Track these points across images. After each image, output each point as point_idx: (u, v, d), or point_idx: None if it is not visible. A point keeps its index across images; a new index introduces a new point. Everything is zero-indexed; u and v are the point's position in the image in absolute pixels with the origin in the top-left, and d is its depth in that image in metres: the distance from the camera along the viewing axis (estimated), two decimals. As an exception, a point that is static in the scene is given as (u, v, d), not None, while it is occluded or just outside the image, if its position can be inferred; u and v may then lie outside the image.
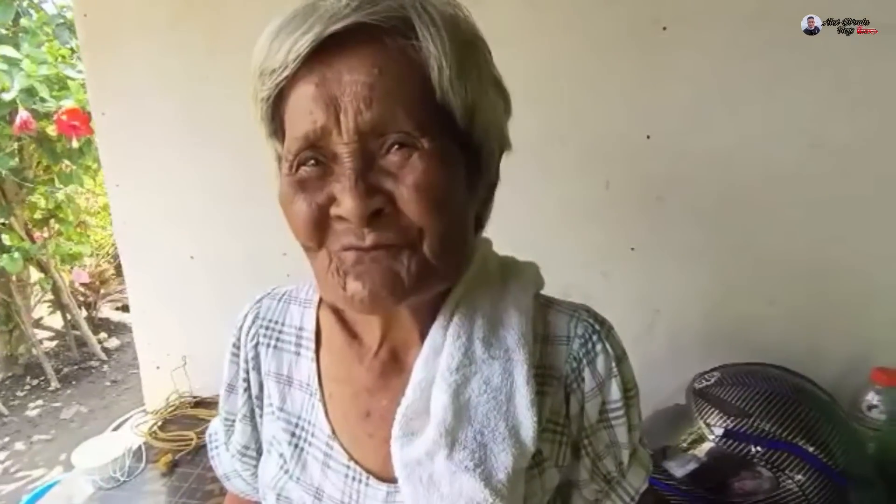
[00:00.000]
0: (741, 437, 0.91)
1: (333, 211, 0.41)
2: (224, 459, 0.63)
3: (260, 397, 0.57)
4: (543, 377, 0.50)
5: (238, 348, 0.58)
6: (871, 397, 1.02)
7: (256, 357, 0.57)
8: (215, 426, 0.64)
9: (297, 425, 0.54)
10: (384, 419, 0.49)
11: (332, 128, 0.40)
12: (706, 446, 0.93)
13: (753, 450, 0.89)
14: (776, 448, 0.88)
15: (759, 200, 1.07)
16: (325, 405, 0.53)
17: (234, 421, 0.60)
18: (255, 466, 0.60)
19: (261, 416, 0.58)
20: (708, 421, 0.94)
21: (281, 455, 0.54)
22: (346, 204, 0.39)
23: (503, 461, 0.45)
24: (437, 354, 0.48)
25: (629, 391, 0.53)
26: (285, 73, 0.40)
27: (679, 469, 0.95)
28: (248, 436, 0.59)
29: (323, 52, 0.39)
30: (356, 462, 0.50)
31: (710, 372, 1.03)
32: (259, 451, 0.59)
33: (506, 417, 0.46)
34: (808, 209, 1.06)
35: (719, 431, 0.92)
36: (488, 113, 0.45)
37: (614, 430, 0.53)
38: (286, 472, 0.53)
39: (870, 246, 1.05)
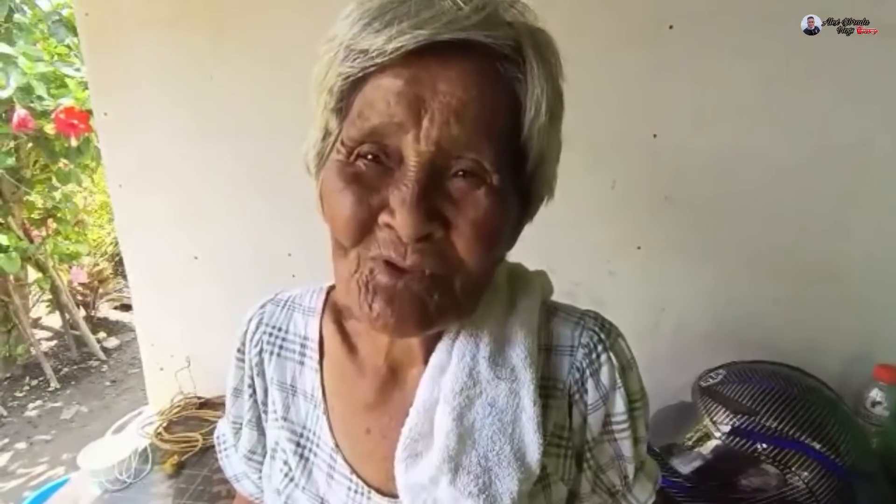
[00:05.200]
0: (747, 435, 0.91)
1: (383, 219, 0.39)
2: (234, 461, 0.63)
3: (265, 402, 0.57)
4: (547, 389, 0.49)
5: (243, 353, 0.57)
6: (875, 394, 1.04)
7: (261, 363, 0.56)
8: (223, 428, 0.63)
9: (301, 435, 0.53)
10: (385, 437, 0.48)
11: (410, 128, 0.37)
12: (712, 444, 0.93)
13: (760, 447, 0.89)
14: (782, 445, 0.89)
15: (764, 199, 1.07)
16: (328, 418, 0.52)
17: (241, 425, 0.59)
18: (262, 470, 0.60)
19: (266, 420, 0.58)
20: (714, 418, 0.94)
21: (286, 462, 0.54)
22: (402, 219, 0.37)
23: (507, 486, 0.43)
24: (442, 373, 0.47)
25: (634, 402, 0.51)
26: (378, 61, 0.37)
27: (685, 466, 0.96)
28: (254, 440, 0.59)
29: (422, 51, 0.37)
30: (358, 476, 0.50)
31: (716, 370, 1.03)
32: (265, 455, 0.59)
33: (511, 440, 0.44)
34: (812, 208, 1.06)
35: (726, 429, 0.92)
36: (550, 164, 0.45)
37: (618, 443, 0.51)
38: (291, 479, 0.53)
39: (872, 245, 1.06)
